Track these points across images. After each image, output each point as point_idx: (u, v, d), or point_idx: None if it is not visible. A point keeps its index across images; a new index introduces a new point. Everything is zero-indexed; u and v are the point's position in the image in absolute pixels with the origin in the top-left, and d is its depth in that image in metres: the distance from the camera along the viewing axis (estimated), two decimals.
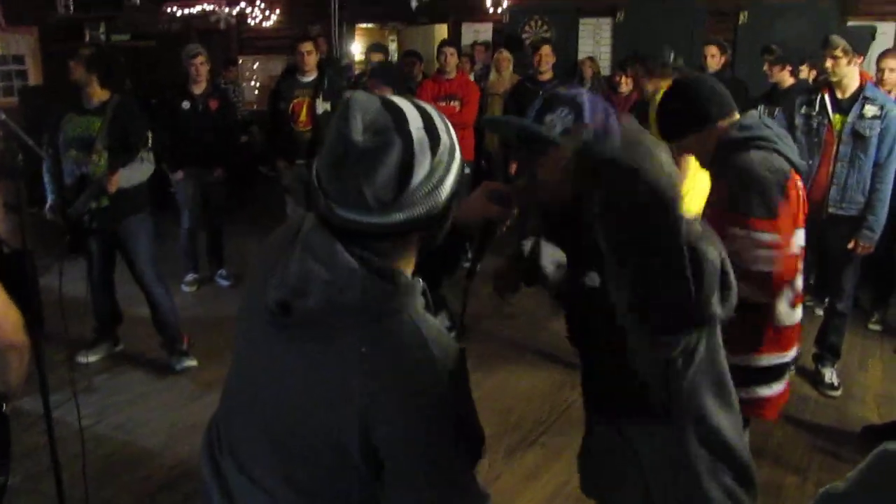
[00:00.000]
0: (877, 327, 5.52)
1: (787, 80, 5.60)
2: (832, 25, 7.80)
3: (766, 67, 5.73)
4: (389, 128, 1.25)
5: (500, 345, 5.21)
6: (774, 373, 2.53)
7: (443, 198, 1.30)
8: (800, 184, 2.51)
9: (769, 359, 2.50)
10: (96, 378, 4.67)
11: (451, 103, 6.47)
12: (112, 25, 11.29)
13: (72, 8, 11.21)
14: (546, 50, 6.39)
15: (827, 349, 4.63)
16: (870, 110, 4.20)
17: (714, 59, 6.24)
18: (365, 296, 1.26)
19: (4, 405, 2.24)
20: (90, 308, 4.83)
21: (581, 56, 8.75)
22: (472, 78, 7.69)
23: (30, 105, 9.92)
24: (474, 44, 8.91)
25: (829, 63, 4.23)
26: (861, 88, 4.26)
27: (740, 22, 8.28)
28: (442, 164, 1.31)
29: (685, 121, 2.50)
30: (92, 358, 4.89)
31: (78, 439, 3.22)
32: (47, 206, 4.59)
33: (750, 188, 2.35)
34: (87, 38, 11.37)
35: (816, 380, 4.60)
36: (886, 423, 4.12)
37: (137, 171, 4.48)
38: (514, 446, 4.02)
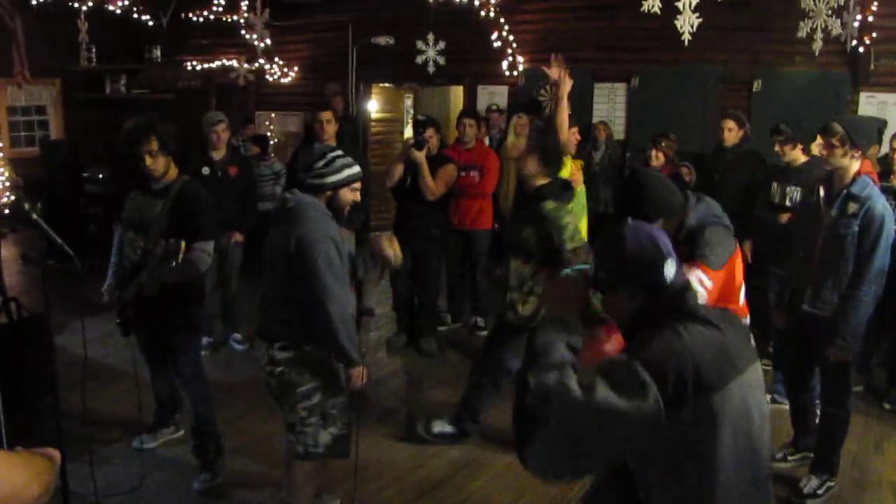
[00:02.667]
0: (893, 407, 5.39)
1: (801, 157, 5.59)
2: (845, 95, 7.91)
3: (777, 148, 5.71)
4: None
5: (502, 432, 5.16)
6: None
7: (329, 180, 3.51)
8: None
9: None
10: (110, 448, 4.67)
11: (471, 173, 6.54)
12: (133, 79, 11.51)
13: (94, 60, 11.43)
14: None
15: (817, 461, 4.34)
16: (851, 207, 3.91)
17: (732, 132, 6.26)
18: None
19: None
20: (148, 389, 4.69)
21: (595, 120, 8.85)
22: (487, 142, 7.80)
23: (50, 157, 10.06)
24: (489, 109, 9.01)
25: (824, 151, 4.02)
26: (850, 183, 3.96)
27: (754, 90, 8.35)
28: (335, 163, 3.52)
29: (653, 210, 3.16)
30: (149, 444, 4.69)
31: None
32: (105, 285, 4.42)
33: (708, 248, 3.18)
34: (108, 91, 11.59)
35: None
36: None
37: (192, 265, 4.08)
38: None
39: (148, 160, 4.08)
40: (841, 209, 3.95)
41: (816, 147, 5.36)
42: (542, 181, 4.59)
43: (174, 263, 3.89)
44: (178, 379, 4.43)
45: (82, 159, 10.04)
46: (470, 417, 4.88)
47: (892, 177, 5.64)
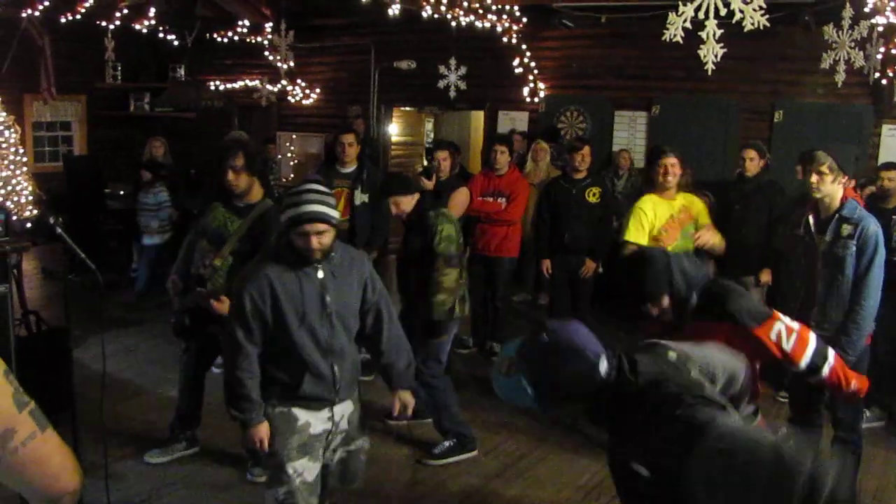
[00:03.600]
0: None
1: None
2: (868, 127, 7.89)
3: (814, 179, 5.54)
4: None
5: (521, 448, 5.16)
6: None
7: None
8: None
9: None
10: (125, 463, 4.66)
11: (498, 199, 6.54)
12: (157, 98, 11.64)
13: (119, 78, 11.57)
14: (586, 150, 6.44)
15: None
16: (845, 230, 4.07)
17: (753, 162, 6.23)
18: None
19: None
20: (176, 404, 4.71)
21: (616, 147, 8.87)
22: None
23: (73, 172, 10.15)
24: (512, 132, 9.04)
25: (814, 179, 4.12)
26: (840, 208, 4.13)
27: (775, 120, 8.35)
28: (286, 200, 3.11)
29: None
30: (164, 459, 4.62)
31: None
32: (169, 279, 4.43)
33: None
34: (132, 108, 11.71)
35: None
36: None
37: None
38: None
39: (231, 175, 4.13)
40: (836, 232, 4.10)
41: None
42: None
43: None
44: None
45: (105, 176, 10.13)
46: (451, 423, 4.91)
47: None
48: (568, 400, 2.23)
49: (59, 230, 2.85)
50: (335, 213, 3.06)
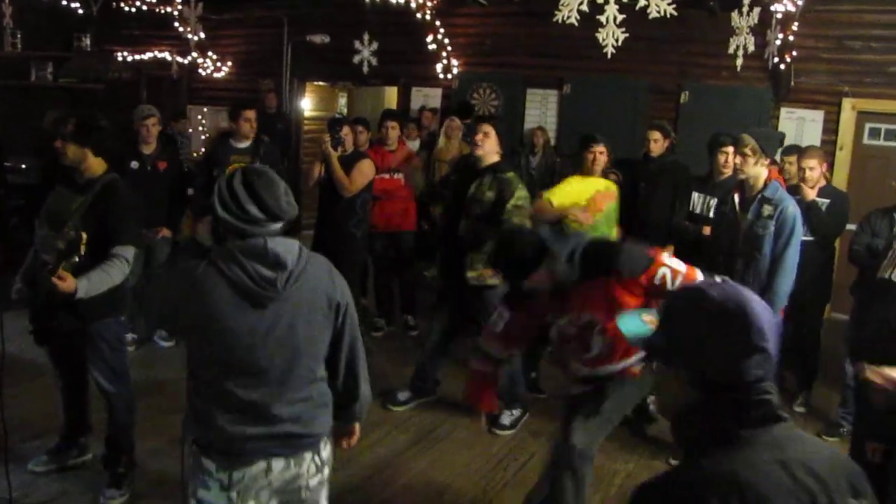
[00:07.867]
0: (801, 409, 5.69)
1: (728, 172, 5.70)
2: (767, 110, 8.19)
3: (728, 160, 5.53)
4: None
5: (435, 418, 5.25)
6: None
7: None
8: None
9: None
10: (25, 446, 4.54)
11: (395, 176, 6.59)
12: (61, 68, 11.22)
13: (19, 46, 11.10)
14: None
15: None
16: (766, 210, 4.35)
17: (657, 143, 6.37)
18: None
19: None
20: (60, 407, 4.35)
21: (528, 125, 8.98)
22: (418, 145, 7.88)
23: None
24: (422, 109, 9.07)
25: (738, 160, 4.40)
26: (763, 188, 4.39)
27: (681, 101, 8.58)
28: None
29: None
30: (47, 468, 4.28)
31: None
32: (14, 288, 3.93)
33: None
34: (34, 78, 11.27)
35: None
36: None
37: (106, 275, 3.66)
38: None
39: (58, 143, 3.78)
40: (757, 212, 4.36)
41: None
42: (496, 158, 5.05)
43: (76, 259, 3.52)
44: (99, 388, 4.08)
45: (4, 149, 9.74)
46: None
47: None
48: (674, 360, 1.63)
49: None
50: None
